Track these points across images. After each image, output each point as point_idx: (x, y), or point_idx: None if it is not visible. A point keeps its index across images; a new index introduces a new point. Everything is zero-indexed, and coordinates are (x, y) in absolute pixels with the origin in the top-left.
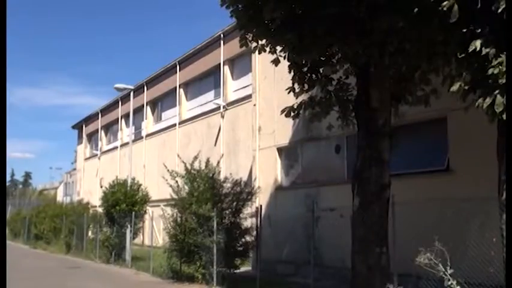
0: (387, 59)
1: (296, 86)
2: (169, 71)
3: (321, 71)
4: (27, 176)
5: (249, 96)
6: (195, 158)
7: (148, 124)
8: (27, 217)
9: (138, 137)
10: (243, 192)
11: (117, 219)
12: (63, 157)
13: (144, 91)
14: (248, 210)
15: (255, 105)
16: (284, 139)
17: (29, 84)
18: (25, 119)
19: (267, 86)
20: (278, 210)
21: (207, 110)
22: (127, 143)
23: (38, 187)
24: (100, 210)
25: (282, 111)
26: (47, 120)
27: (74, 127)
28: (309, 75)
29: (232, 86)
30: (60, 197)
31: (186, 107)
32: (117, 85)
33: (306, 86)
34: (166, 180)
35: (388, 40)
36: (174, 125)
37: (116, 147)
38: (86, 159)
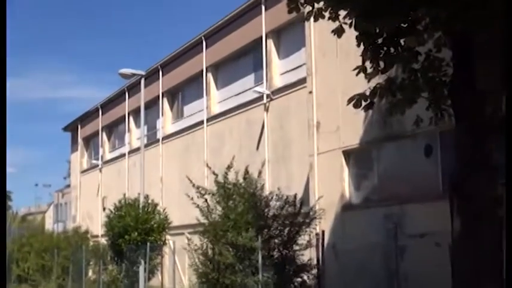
0: (498, 21)
1: (368, 64)
2: (193, 50)
3: (403, 43)
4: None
5: (302, 81)
6: (229, 167)
7: (166, 122)
8: (6, 252)
9: (152, 140)
10: (298, 213)
11: (127, 253)
12: (52, 170)
13: (159, 78)
14: (305, 238)
15: (310, 92)
16: (352, 139)
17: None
18: None
19: (326, 66)
20: (347, 238)
21: (245, 101)
22: (138, 149)
23: (19, 211)
24: (103, 241)
25: (349, 100)
26: (29, 121)
27: (66, 129)
28: (385, 49)
29: (279, 68)
30: (49, 224)
31: (217, 97)
32: (123, 70)
33: (382, 65)
34: (192, 198)
35: None
36: (201, 122)
37: (122, 155)
38: (83, 172)
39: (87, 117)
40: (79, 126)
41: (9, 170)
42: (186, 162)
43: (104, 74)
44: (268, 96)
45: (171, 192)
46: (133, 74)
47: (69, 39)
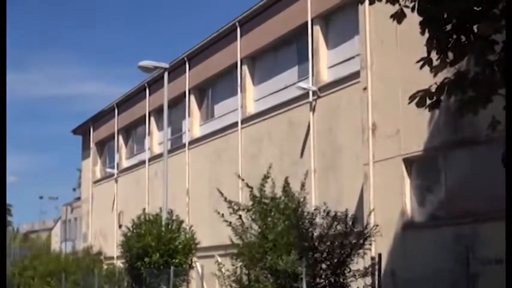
0: None
1: (434, 55)
2: (225, 39)
3: (476, 30)
4: (6, 210)
5: (355, 75)
6: (267, 177)
7: (194, 124)
8: (6, 276)
9: (177, 145)
10: (349, 233)
11: (147, 278)
12: (60, 180)
13: (185, 71)
14: (358, 262)
15: (365, 88)
16: (415, 144)
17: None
18: None
19: (384, 58)
20: (408, 263)
21: (287, 99)
22: (160, 155)
23: (21, 228)
24: (119, 264)
25: (411, 98)
26: (33, 122)
27: (76, 131)
28: (455, 37)
29: (327, 59)
30: (56, 243)
31: (253, 94)
32: (143, 63)
33: (451, 56)
34: (223, 215)
35: None
36: (235, 124)
37: (142, 163)
38: (96, 182)
39: (101, 117)
40: (91, 129)
41: (9, 179)
42: (217, 171)
43: (121, 67)
44: (314, 93)
45: (199, 207)
46: (155, 67)
47: (79, 27)
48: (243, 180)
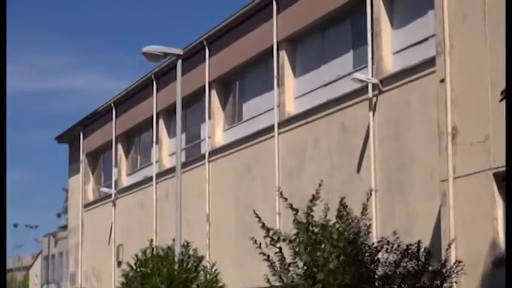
0: None
1: None
2: (257, 15)
3: None
4: None
5: (429, 63)
6: (316, 198)
7: (216, 129)
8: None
9: (194, 157)
10: (423, 271)
11: None
12: (40, 203)
13: (204, 59)
14: None
15: (442, 80)
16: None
17: None
18: None
19: (468, 39)
20: None
21: (339, 94)
22: (171, 170)
23: None
24: None
25: (504, 93)
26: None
27: (61, 139)
28: None
29: (392, 42)
30: (36, 286)
31: (294, 89)
32: (148, 48)
33: None
34: (258, 246)
35: None
36: (270, 128)
37: (148, 180)
38: (88, 205)
39: (94, 120)
40: (81, 135)
41: None
42: (247, 190)
43: (120, 54)
44: (375, 87)
45: (223, 238)
46: (165, 54)
47: (66, 4)
48: (285, 199)
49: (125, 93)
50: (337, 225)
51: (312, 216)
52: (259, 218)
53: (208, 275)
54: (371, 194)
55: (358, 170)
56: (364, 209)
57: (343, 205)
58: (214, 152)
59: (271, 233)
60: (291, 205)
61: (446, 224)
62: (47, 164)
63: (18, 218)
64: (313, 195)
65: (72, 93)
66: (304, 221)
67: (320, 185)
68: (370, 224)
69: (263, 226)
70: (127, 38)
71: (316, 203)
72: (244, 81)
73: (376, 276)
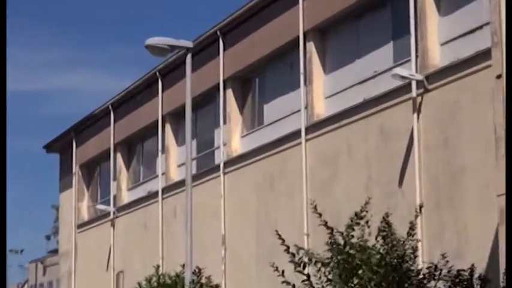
0: None
1: None
2: (279, 1)
3: None
4: None
5: (483, 56)
6: (360, 216)
7: (233, 134)
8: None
9: (207, 168)
10: None
11: None
12: (26, 223)
13: (218, 53)
14: None
15: (499, 76)
16: None
17: None
18: None
19: None
20: None
21: (377, 93)
22: (180, 184)
23: None
24: None
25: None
26: None
27: (50, 147)
28: None
29: (439, 32)
30: None
31: (324, 87)
32: (152, 40)
33: None
34: (282, 272)
35: None
36: (296, 134)
37: (153, 196)
38: (82, 226)
39: (89, 125)
40: (74, 143)
41: None
42: (269, 207)
43: (119, 48)
44: (420, 84)
45: (241, 263)
46: (172, 48)
47: None
48: (319, 215)
49: (125, 94)
50: (378, 247)
51: (352, 237)
52: (283, 240)
53: None
54: (420, 211)
55: (400, 183)
56: (411, 228)
57: (386, 223)
58: (230, 162)
59: (300, 254)
60: (326, 222)
61: (504, 246)
62: (33, 178)
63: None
64: (356, 213)
65: (62, 94)
66: (341, 240)
67: (367, 203)
68: (416, 246)
69: (288, 250)
70: (127, 29)
71: (354, 222)
72: (265, 79)
73: None
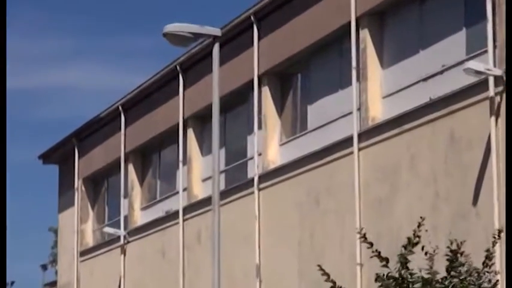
0: None
1: None
2: None
3: None
4: None
5: None
6: (414, 243)
7: (270, 142)
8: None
9: (238, 184)
10: None
11: None
12: (18, 250)
13: (252, 42)
14: None
15: None
16: None
17: None
18: None
19: None
20: None
21: (445, 92)
22: (206, 203)
23: None
24: None
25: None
26: None
27: (47, 158)
28: None
29: None
30: None
31: (381, 84)
32: (171, 27)
33: None
34: None
35: None
36: (347, 141)
37: (172, 217)
38: (86, 253)
39: (95, 131)
40: (76, 152)
41: None
42: (314, 230)
43: (131, 38)
44: (499, 80)
45: None
46: (196, 36)
47: None
48: (370, 245)
49: (138, 92)
50: (446, 281)
51: (407, 268)
52: (328, 275)
53: None
54: (499, 236)
55: (475, 201)
56: (488, 257)
57: (457, 251)
58: (267, 176)
59: None
60: (379, 253)
61: None
62: (26, 194)
63: None
64: (409, 239)
65: (62, 93)
66: (400, 274)
67: (421, 224)
68: (497, 281)
69: (334, 285)
70: (141, 14)
71: (414, 250)
72: (310, 74)
73: None
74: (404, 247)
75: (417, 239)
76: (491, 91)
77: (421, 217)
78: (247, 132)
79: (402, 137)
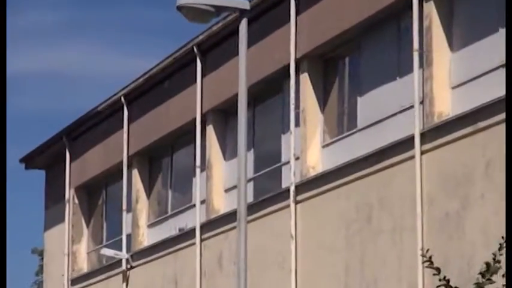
0: None
1: None
2: None
3: None
4: None
5: None
6: (492, 269)
7: (309, 143)
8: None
9: (269, 194)
10: None
11: None
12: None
13: (288, 17)
14: None
15: None
16: None
17: None
18: None
19: None
20: None
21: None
22: (229, 219)
23: None
24: None
25: None
26: None
27: (30, 161)
28: None
29: None
30: None
31: (450, 70)
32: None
33: None
34: None
35: None
36: (407, 141)
37: (186, 236)
38: (80, 280)
39: (90, 129)
40: (67, 154)
41: None
42: (365, 251)
43: (138, 12)
44: None
45: None
46: (219, 10)
47: None
48: (438, 271)
49: (145, 80)
50: None
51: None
52: None
53: None
54: None
55: None
56: None
57: None
58: (306, 185)
59: None
60: (447, 281)
61: None
62: (8, 206)
63: None
64: (488, 264)
65: (49, 79)
66: None
67: (502, 246)
68: None
69: None
70: None
71: (494, 279)
72: (360, 58)
73: None
74: (482, 274)
75: (498, 264)
76: None
77: (502, 237)
78: (281, 130)
79: (476, 138)
